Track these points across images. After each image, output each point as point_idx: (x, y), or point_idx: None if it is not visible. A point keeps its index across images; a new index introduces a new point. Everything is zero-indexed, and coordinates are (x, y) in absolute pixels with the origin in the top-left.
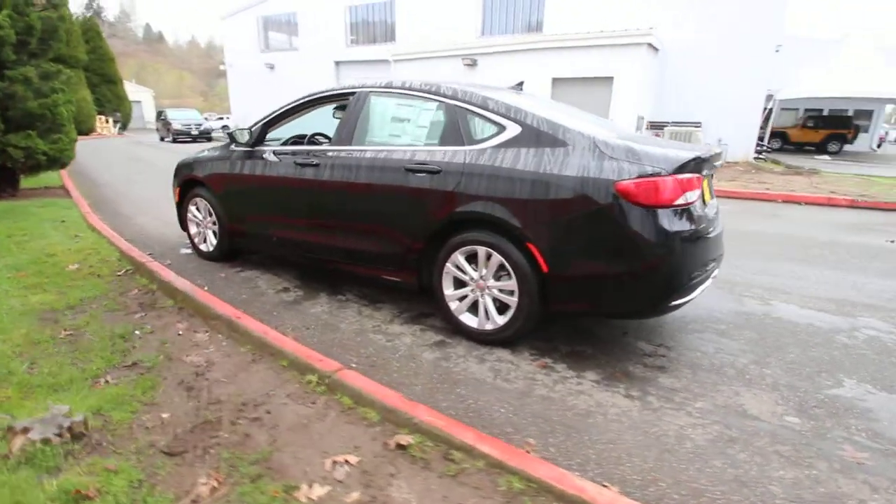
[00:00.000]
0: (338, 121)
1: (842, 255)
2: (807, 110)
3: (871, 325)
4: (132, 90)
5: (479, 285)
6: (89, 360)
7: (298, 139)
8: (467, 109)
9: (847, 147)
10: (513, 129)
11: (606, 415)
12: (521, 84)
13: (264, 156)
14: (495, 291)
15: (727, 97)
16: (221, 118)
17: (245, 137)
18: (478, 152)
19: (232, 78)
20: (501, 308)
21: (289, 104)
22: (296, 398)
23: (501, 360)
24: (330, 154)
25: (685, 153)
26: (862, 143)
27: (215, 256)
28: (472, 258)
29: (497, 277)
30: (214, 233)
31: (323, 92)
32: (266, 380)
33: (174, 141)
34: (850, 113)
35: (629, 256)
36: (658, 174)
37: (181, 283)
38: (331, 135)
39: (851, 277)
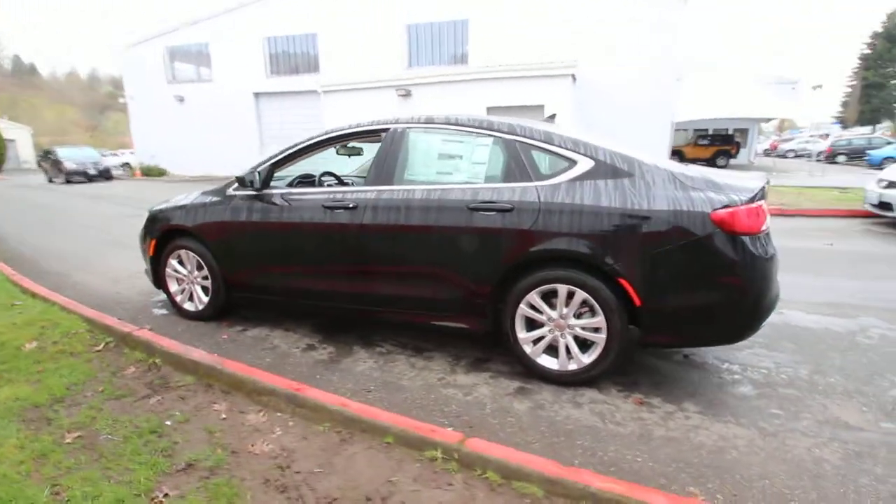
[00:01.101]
0: (346, 159)
1: (798, 260)
2: (695, 130)
3: (875, 325)
4: (5, 127)
5: (558, 325)
6: (127, 470)
7: (303, 180)
8: (530, 144)
9: (732, 161)
10: (585, 164)
11: (738, 448)
12: (552, 117)
13: (276, 199)
14: (578, 330)
15: (639, 122)
16: (116, 154)
17: (255, 180)
18: (551, 188)
19: (134, 111)
20: (582, 347)
21: (302, 143)
22: (426, 482)
23: (595, 401)
24: (369, 195)
25: (756, 182)
26: (742, 156)
27: (207, 315)
28: (546, 297)
29: (577, 315)
30: (205, 289)
31: (344, 129)
32: (375, 464)
33: (67, 182)
34: (731, 131)
35: (725, 284)
36: (743, 203)
37: (198, 355)
38: (335, 175)
39: (822, 281)
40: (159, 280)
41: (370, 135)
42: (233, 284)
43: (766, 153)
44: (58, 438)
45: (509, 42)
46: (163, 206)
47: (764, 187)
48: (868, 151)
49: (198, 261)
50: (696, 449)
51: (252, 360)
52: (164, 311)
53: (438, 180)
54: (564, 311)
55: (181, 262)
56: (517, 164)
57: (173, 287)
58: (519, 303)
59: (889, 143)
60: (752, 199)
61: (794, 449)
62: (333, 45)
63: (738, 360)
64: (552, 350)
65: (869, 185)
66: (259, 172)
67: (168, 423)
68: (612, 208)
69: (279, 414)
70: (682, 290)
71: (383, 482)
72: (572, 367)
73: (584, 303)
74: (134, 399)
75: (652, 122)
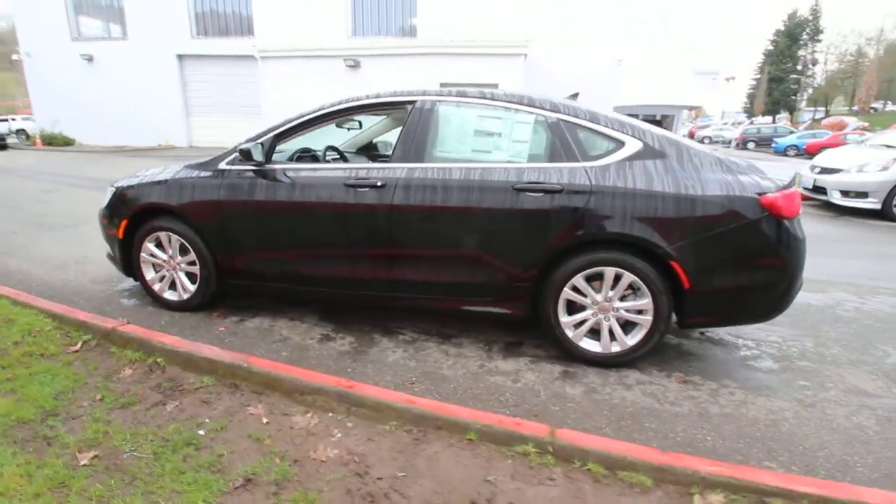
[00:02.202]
0: (352, 133)
1: None
2: (628, 115)
3: (846, 299)
4: None
5: (602, 308)
6: (176, 493)
7: (303, 155)
8: (575, 124)
9: None
10: (633, 145)
11: (788, 420)
12: (576, 95)
13: (284, 176)
14: (622, 312)
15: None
16: (6, 119)
17: (259, 153)
18: (601, 169)
19: (31, 71)
20: (623, 329)
21: (311, 113)
22: (526, 479)
23: (642, 381)
24: (399, 173)
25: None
26: None
27: (194, 305)
28: (589, 280)
29: (620, 298)
30: (191, 275)
31: (362, 99)
32: (463, 463)
33: None
34: (659, 117)
35: (769, 265)
36: (786, 187)
37: (212, 351)
38: (338, 150)
39: None
40: (131, 267)
41: (393, 107)
42: (228, 271)
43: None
44: (69, 461)
45: (459, 18)
46: (133, 182)
47: (796, 172)
48: (775, 139)
49: (182, 244)
50: (753, 423)
51: (266, 354)
52: (134, 302)
53: (475, 158)
54: (610, 293)
55: (160, 246)
56: (563, 144)
57: (150, 274)
58: (563, 286)
59: (792, 132)
60: (790, 184)
61: (835, 418)
62: (269, 6)
63: (749, 336)
64: (593, 333)
65: (804, 170)
66: (262, 145)
67: (201, 432)
68: (666, 191)
69: (330, 414)
70: (728, 271)
71: (480, 482)
72: (615, 349)
73: (630, 285)
74: (146, 407)
75: (596, 105)
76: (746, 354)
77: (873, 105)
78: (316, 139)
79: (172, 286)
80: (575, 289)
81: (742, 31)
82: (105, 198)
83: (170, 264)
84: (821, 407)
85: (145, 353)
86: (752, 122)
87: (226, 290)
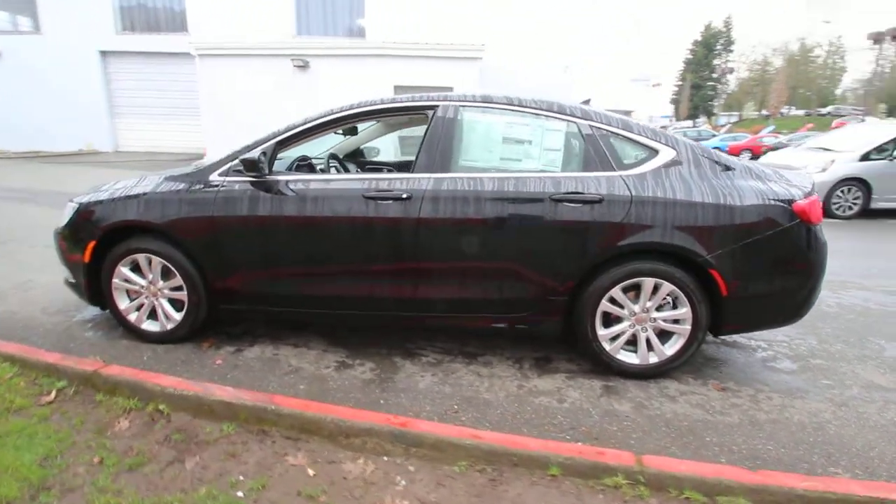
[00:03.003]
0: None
1: None
2: None
3: (824, 294)
4: None
5: (639, 318)
6: None
7: (301, 164)
8: (609, 131)
9: None
10: (666, 153)
11: (831, 422)
12: (588, 101)
13: (289, 188)
14: (660, 323)
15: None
16: None
17: (263, 164)
18: (638, 178)
19: None
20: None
21: (320, 117)
22: None
23: (683, 392)
24: (425, 184)
25: (807, 177)
26: None
27: (180, 336)
28: (625, 291)
29: (657, 307)
30: (176, 302)
31: (377, 103)
32: (554, 502)
33: None
34: None
35: (798, 270)
36: (811, 194)
37: (227, 393)
38: (338, 158)
39: None
40: (100, 295)
41: (411, 112)
42: (222, 295)
43: None
44: None
45: (409, 20)
46: (101, 197)
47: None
48: (699, 142)
49: (165, 267)
50: (802, 428)
51: (281, 389)
52: (102, 335)
53: (505, 167)
54: (648, 304)
55: (137, 270)
56: (597, 152)
57: (124, 303)
58: (601, 298)
59: (714, 135)
60: (812, 191)
61: (869, 416)
62: (204, 2)
63: (758, 337)
64: (628, 345)
65: None
66: (265, 154)
67: (239, 494)
68: (706, 200)
69: (386, 458)
70: (763, 278)
71: None
72: (653, 360)
73: (666, 294)
74: (159, 467)
75: None
76: (764, 356)
77: (781, 110)
78: (303, 147)
79: (152, 315)
80: (612, 300)
81: (666, 39)
82: (64, 216)
83: (149, 290)
84: (853, 406)
85: (141, 400)
86: (674, 126)
87: (216, 317)
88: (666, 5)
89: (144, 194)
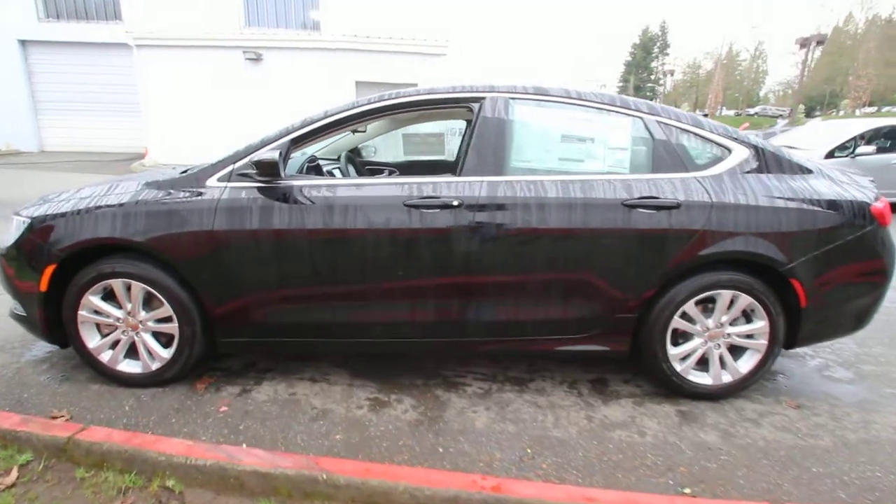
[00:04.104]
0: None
1: None
2: None
3: None
4: None
5: (713, 334)
6: None
7: (310, 164)
8: (678, 128)
9: None
10: (740, 152)
11: None
12: None
13: (309, 195)
14: (735, 338)
15: None
16: None
17: (278, 164)
18: (714, 180)
19: None
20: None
21: (343, 111)
22: None
23: (762, 413)
24: (477, 189)
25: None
26: None
27: (169, 377)
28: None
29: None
30: (162, 337)
31: (411, 95)
32: None
33: None
34: None
35: (872, 275)
36: (878, 196)
37: (262, 459)
38: (354, 161)
39: None
40: (60, 330)
41: (453, 105)
42: (224, 326)
43: None
44: None
45: (366, 13)
46: (61, 209)
47: None
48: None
49: (148, 294)
50: None
51: (312, 442)
52: (59, 377)
53: (565, 169)
54: (723, 318)
55: (110, 299)
56: (668, 151)
57: (94, 340)
58: (673, 314)
59: None
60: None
61: None
62: None
63: (814, 351)
64: (698, 363)
65: None
66: (281, 153)
67: None
68: (789, 204)
69: None
70: (840, 285)
71: None
72: (726, 379)
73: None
74: None
75: None
76: (816, 364)
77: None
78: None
79: (132, 353)
80: (684, 316)
81: (608, 41)
82: (9, 234)
83: (128, 323)
84: None
85: (142, 475)
86: None
87: (211, 352)
88: (610, 7)
89: (121, 205)
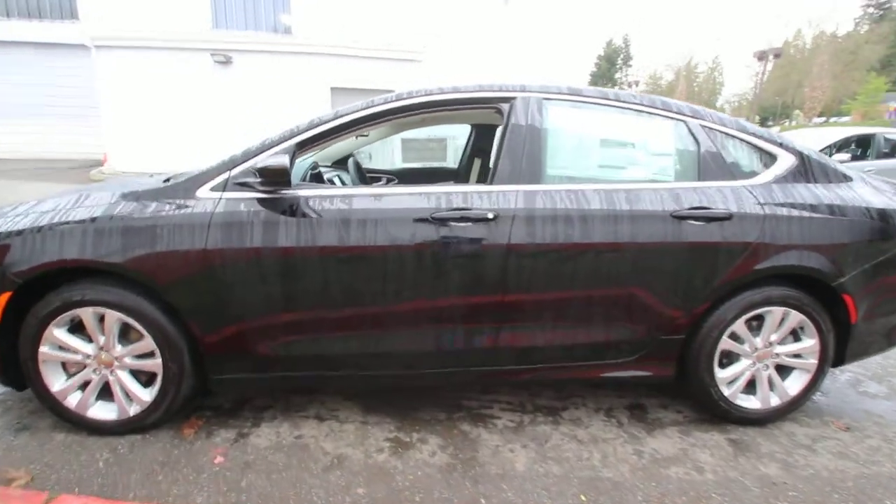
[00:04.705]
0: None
1: None
2: None
3: None
4: None
5: (761, 355)
6: None
7: (312, 171)
8: (724, 132)
9: None
10: (786, 159)
11: None
12: None
13: (319, 206)
14: (783, 358)
15: None
16: None
17: (286, 170)
18: (764, 189)
19: None
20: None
21: (356, 111)
22: None
23: (813, 437)
24: (513, 200)
25: None
26: None
27: (151, 423)
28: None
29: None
30: (142, 375)
31: (434, 93)
32: None
33: None
34: None
35: None
36: None
37: None
38: (357, 168)
39: None
40: (15, 369)
41: (480, 105)
42: (220, 358)
43: None
44: None
45: (340, 17)
46: (17, 225)
47: None
48: None
49: (124, 325)
50: None
51: (331, 499)
52: (14, 425)
53: (606, 177)
54: (773, 337)
55: (78, 332)
56: (713, 158)
57: (59, 382)
58: (722, 334)
59: None
60: None
61: None
62: None
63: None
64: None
65: None
66: (288, 158)
67: None
68: (840, 214)
69: None
70: (887, 298)
71: None
72: (775, 402)
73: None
74: None
75: None
76: (846, 379)
77: None
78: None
79: (105, 394)
80: (732, 336)
81: (575, 53)
82: None
83: (100, 360)
84: None
85: None
86: None
87: (204, 391)
88: (575, 20)
89: (93, 220)
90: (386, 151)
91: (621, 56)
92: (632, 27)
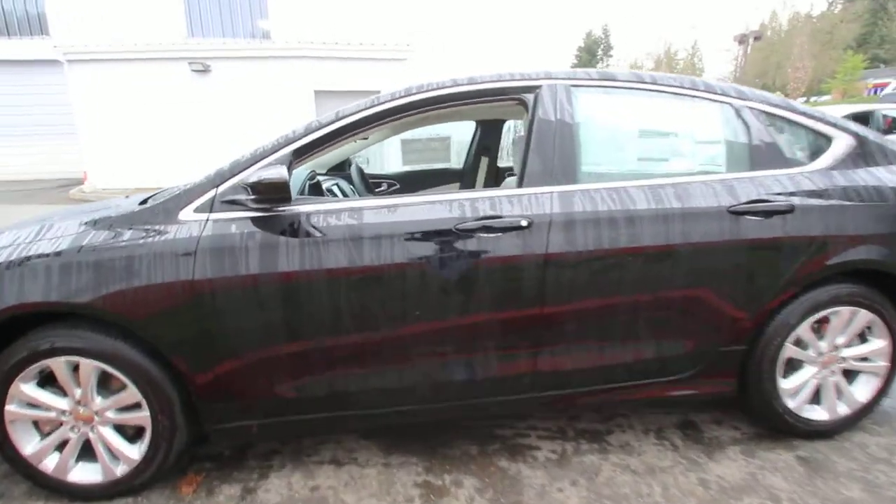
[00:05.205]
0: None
1: None
2: None
3: None
4: None
5: (827, 360)
6: None
7: (311, 184)
8: (773, 114)
9: None
10: (843, 141)
11: None
12: None
13: (327, 224)
14: (850, 362)
15: None
16: None
17: (285, 185)
18: (822, 176)
19: None
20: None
21: (361, 110)
22: None
23: (888, 447)
24: (547, 204)
25: None
26: None
27: (140, 484)
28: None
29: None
30: (128, 430)
31: (447, 86)
32: None
33: None
34: None
35: None
36: None
37: None
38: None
39: None
40: None
41: (500, 96)
42: (218, 406)
43: None
44: None
45: (319, 19)
46: None
47: None
48: None
49: (104, 374)
50: None
51: None
52: None
53: (649, 171)
54: (839, 340)
55: (49, 386)
56: (766, 143)
57: (30, 444)
58: (786, 339)
59: None
60: None
61: None
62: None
63: None
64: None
65: None
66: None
67: None
68: None
69: None
70: None
71: None
72: (843, 411)
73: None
74: None
75: None
76: None
77: None
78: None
79: (87, 454)
80: (799, 342)
81: (553, 45)
82: None
83: (77, 416)
84: None
85: None
86: None
87: (202, 441)
88: (554, 12)
89: (58, 254)
90: (384, 154)
91: (601, 47)
92: (610, 17)
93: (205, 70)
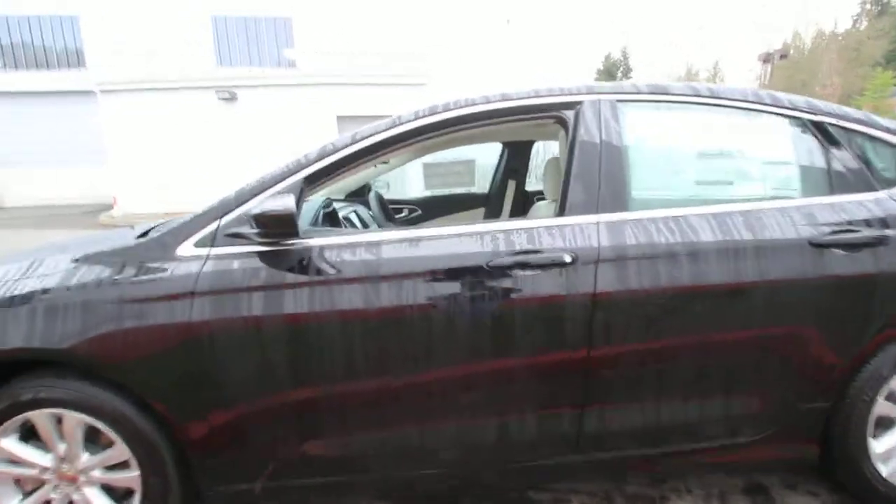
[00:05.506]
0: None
1: None
2: None
3: None
4: None
5: None
6: None
7: (326, 213)
8: (852, 130)
9: None
10: None
11: None
12: None
13: (341, 260)
14: None
15: None
16: None
17: (293, 218)
18: None
19: None
20: None
21: (379, 132)
22: None
23: None
24: (595, 236)
25: None
26: None
27: None
28: None
29: None
30: (117, 491)
31: (477, 103)
32: None
33: None
34: None
35: None
36: None
37: None
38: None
39: None
40: None
41: (534, 114)
42: (217, 466)
43: None
44: None
45: (341, 45)
46: None
47: None
48: None
49: (90, 429)
50: None
51: None
52: None
53: (708, 196)
54: None
55: (30, 439)
56: (846, 164)
57: None
58: (877, 394)
59: None
60: None
61: None
62: (107, 33)
63: None
64: None
65: None
66: (295, 199)
67: None
68: None
69: None
70: None
71: None
72: None
73: None
74: None
75: None
76: None
77: None
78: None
79: None
80: (889, 395)
81: (574, 68)
82: None
83: (61, 474)
84: None
85: None
86: None
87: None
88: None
89: (44, 293)
90: (406, 177)
91: (620, 69)
92: (629, 40)
93: (231, 98)
